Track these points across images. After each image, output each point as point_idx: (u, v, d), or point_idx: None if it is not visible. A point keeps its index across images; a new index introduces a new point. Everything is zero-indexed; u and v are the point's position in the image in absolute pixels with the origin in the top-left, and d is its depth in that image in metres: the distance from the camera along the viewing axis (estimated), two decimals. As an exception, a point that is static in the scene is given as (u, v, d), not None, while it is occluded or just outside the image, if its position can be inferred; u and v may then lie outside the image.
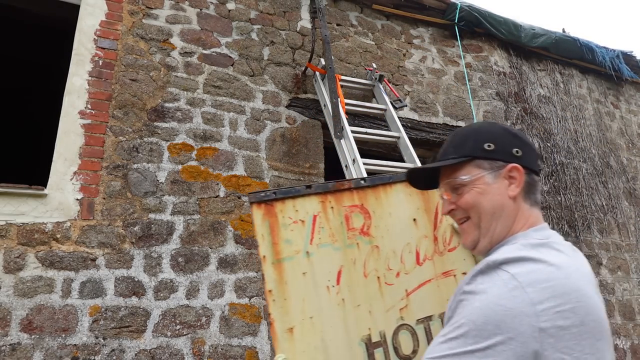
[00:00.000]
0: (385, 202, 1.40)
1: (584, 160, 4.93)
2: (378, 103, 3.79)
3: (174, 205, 3.00)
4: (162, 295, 2.80)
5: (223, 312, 2.90)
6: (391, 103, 3.70)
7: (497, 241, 0.94)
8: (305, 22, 4.00)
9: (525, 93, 4.87)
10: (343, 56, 4.05)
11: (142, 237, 2.86)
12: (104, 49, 3.13)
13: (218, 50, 3.53)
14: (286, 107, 3.62)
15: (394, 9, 4.43)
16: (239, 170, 3.28)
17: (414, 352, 1.25)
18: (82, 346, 2.53)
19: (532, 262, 0.79)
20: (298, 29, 3.97)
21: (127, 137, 3.03)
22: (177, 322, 2.78)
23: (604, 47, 5.52)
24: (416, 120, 4.13)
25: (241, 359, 2.84)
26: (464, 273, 1.36)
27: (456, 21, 4.61)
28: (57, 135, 2.84)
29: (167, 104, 3.21)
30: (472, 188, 0.96)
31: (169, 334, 2.74)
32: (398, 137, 3.37)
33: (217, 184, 3.18)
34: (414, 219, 1.41)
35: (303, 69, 3.76)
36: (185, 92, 3.30)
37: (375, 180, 1.42)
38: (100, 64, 3.09)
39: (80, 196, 2.78)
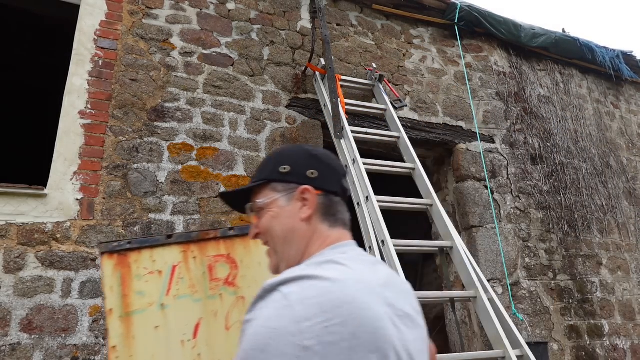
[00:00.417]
0: (255, 251, 1.34)
1: (584, 160, 4.93)
2: (378, 103, 3.79)
3: (174, 205, 3.00)
4: (162, 295, 2.79)
5: (223, 312, 2.90)
6: (391, 103, 3.70)
7: (293, 265, 0.89)
8: (305, 22, 4.01)
9: (525, 93, 4.87)
10: (343, 56, 4.05)
11: (142, 237, 2.86)
12: (104, 49, 3.13)
13: (218, 50, 3.53)
14: (286, 107, 3.62)
15: (394, 9, 4.43)
16: (239, 170, 3.28)
17: None
18: (82, 346, 2.53)
19: (308, 279, 0.75)
20: (298, 29, 3.97)
21: (127, 137, 3.03)
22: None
23: (604, 47, 5.52)
24: (416, 120, 4.13)
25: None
26: None
27: (456, 21, 4.61)
28: (57, 135, 2.84)
29: (167, 104, 3.21)
30: (267, 212, 0.95)
31: (169, 334, 2.73)
32: (398, 137, 3.37)
33: (217, 184, 3.18)
34: None
35: (303, 69, 3.76)
36: (185, 92, 3.30)
37: (244, 230, 1.35)
38: (100, 64, 3.09)
39: (80, 196, 2.78)
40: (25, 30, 4.52)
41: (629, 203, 5.09)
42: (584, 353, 3.98)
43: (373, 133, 3.40)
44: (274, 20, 3.89)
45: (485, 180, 4.19)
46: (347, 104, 3.47)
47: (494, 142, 4.44)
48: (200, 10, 3.58)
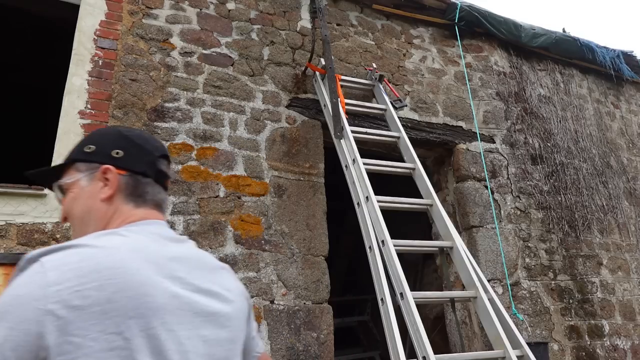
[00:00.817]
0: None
1: (584, 160, 4.92)
2: (378, 103, 3.79)
3: (173, 205, 3.00)
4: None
5: (223, 312, 2.89)
6: (391, 103, 3.70)
7: None
8: (305, 22, 4.00)
9: (525, 93, 4.86)
10: (343, 56, 4.05)
11: (142, 237, 2.86)
12: (103, 48, 3.13)
13: (218, 50, 3.53)
14: (286, 107, 3.62)
15: (394, 9, 4.43)
16: (239, 170, 3.28)
17: None
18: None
19: (75, 248, 0.73)
20: (298, 29, 3.96)
21: (127, 137, 3.02)
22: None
23: (604, 47, 5.51)
24: (416, 120, 4.13)
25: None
26: None
27: (456, 21, 4.61)
28: (57, 135, 2.84)
29: (167, 104, 3.21)
30: (69, 193, 0.93)
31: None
32: (398, 137, 3.37)
33: (217, 184, 3.17)
34: None
35: (303, 69, 3.76)
36: (185, 92, 3.29)
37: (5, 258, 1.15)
38: (100, 63, 3.09)
39: (80, 196, 2.78)
40: (26, 30, 4.52)
41: (629, 203, 5.09)
42: (584, 353, 3.97)
43: (373, 133, 3.40)
44: (274, 20, 3.88)
45: (486, 180, 4.18)
46: (347, 104, 3.47)
47: (494, 142, 4.44)
48: (200, 10, 3.58)
